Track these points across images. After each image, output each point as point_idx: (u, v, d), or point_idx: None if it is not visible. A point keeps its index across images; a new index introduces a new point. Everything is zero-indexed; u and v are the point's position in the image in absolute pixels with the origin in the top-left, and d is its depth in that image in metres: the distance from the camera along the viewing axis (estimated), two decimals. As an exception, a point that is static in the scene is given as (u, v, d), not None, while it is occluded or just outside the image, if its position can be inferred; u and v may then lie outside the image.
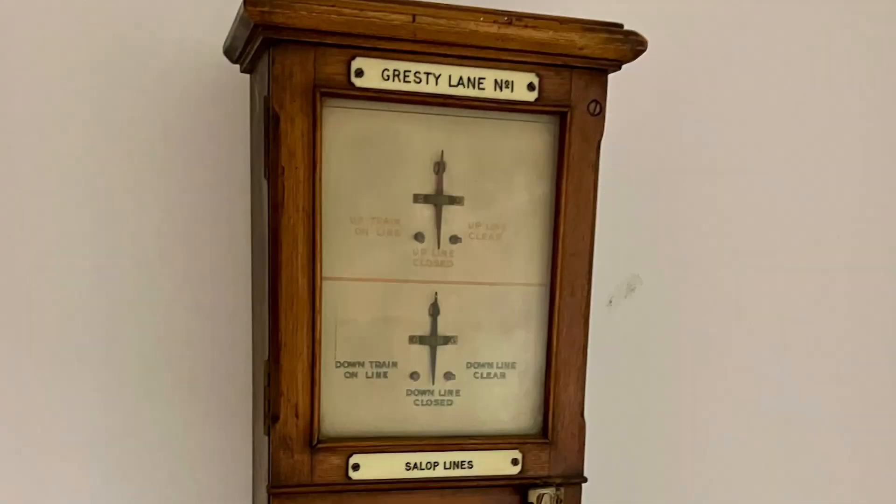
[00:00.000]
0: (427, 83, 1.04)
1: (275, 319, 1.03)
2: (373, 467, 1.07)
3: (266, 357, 1.07)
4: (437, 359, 1.09)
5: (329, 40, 0.99)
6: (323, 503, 1.07)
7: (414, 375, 1.09)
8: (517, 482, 1.12)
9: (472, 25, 1.02)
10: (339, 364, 1.06)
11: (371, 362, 1.07)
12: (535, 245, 1.11)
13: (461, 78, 1.04)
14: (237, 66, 1.20)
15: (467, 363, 1.10)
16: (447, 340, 1.09)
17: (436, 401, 1.10)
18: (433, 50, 1.02)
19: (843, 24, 1.55)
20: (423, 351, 1.09)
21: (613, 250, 1.40)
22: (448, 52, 1.03)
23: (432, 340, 1.09)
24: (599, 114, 1.09)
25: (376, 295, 1.07)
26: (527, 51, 1.05)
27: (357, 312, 1.06)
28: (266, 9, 0.95)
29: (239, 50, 1.12)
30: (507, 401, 1.12)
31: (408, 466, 1.09)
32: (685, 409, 1.56)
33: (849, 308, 1.63)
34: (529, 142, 1.09)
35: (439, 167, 1.07)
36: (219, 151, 1.29)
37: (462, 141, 1.07)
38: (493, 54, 1.04)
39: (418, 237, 1.07)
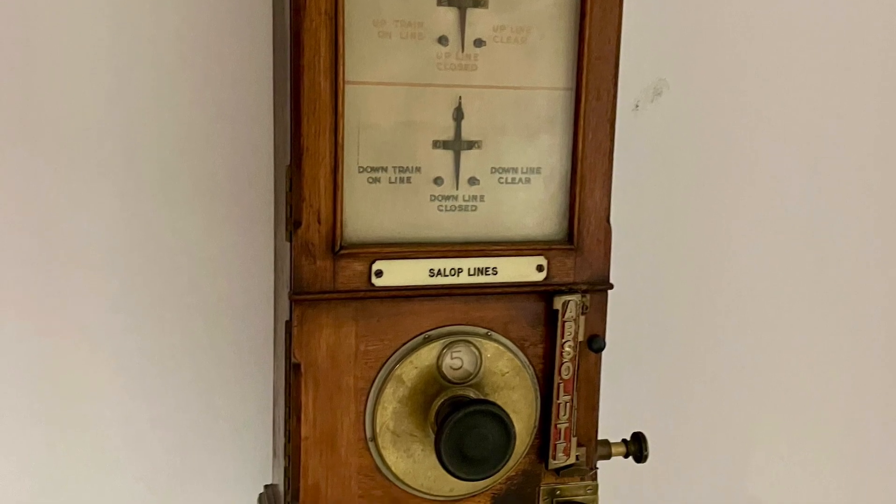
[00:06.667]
0: None
1: (297, 124, 1.01)
2: (396, 274, 1.07)
3: (288, 162, 1.06)
4: (461, 164, 1.08)
5: None
6: (345, 310, 1.07)
7: (438, 181, 1.08)
8: (542, 289, 1.12)
9: None
10: (361, 169, 1.05)
11: (394, 167, 1.06)
12: (561, 48, 1.09)
13: None
14: None
15: (492, 168, 1.10)
16: (471, 145, 1.08)
17: (460, 206, 1.09)
18: None
19: None
20: (447, 156, 1.08)
21: (640, 54, 1.38)
22: None
23: (456, 145, 1.08)
24: (626, -88, 1.07)
25: (399, 99, 1.05)
26: None
27: (380, 117, 1.05)
28: None
29: None
30: (531, 206, 1.12)
31: (431, 273, 1.08)
32: (711, 215, 1.56)
33: (879, 118, 1.61)
34: (554, -58, 1.07)
35: (463, -33, 1.05)
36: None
37: (485, -59, 1.05)
38: None
39: (442, 40, 1.05)
